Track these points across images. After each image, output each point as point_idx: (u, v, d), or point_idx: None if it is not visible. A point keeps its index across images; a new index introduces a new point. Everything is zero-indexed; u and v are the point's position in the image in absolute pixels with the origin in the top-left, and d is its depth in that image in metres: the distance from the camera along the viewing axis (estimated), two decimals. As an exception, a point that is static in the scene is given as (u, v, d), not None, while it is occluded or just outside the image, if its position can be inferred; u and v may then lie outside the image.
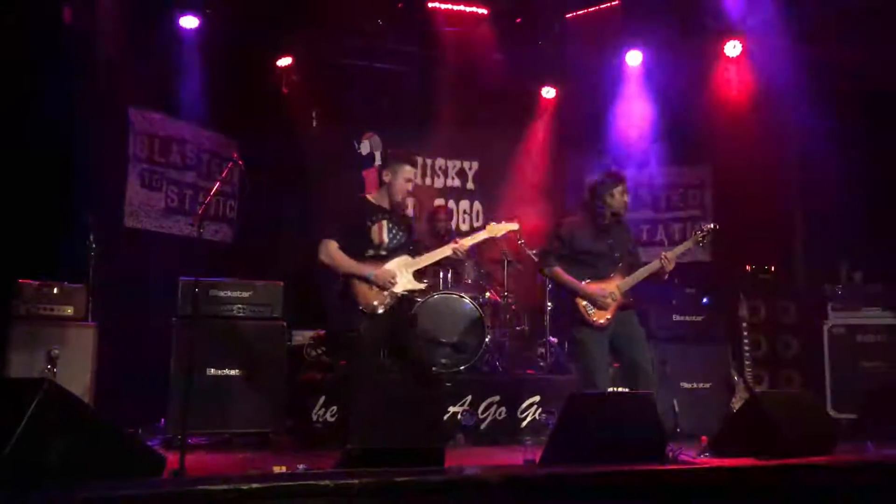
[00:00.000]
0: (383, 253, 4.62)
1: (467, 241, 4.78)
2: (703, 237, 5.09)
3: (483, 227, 5.00)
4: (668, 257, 4.88)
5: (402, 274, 4.58)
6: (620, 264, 4.92)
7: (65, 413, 2.89)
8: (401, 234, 4.72)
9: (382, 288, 4.51)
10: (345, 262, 4.55)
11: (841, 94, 6.84)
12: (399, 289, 4.56)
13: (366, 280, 4.51)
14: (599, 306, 4.80)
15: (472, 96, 8.03)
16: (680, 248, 5.05)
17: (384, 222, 4.67)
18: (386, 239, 4.64)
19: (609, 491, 2.83)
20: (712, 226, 5.15)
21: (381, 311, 4.51)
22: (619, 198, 4.94)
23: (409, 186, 4.72)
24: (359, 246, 4.60)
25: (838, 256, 6.83)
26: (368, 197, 4.84)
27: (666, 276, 4.96)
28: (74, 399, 3.13)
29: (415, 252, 4.71)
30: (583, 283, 4.85)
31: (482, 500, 2.63)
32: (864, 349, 6.40)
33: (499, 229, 4.92)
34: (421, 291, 4.71)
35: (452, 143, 8.53)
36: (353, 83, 8.02)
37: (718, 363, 6.16)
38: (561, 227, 5.06)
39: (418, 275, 4.68)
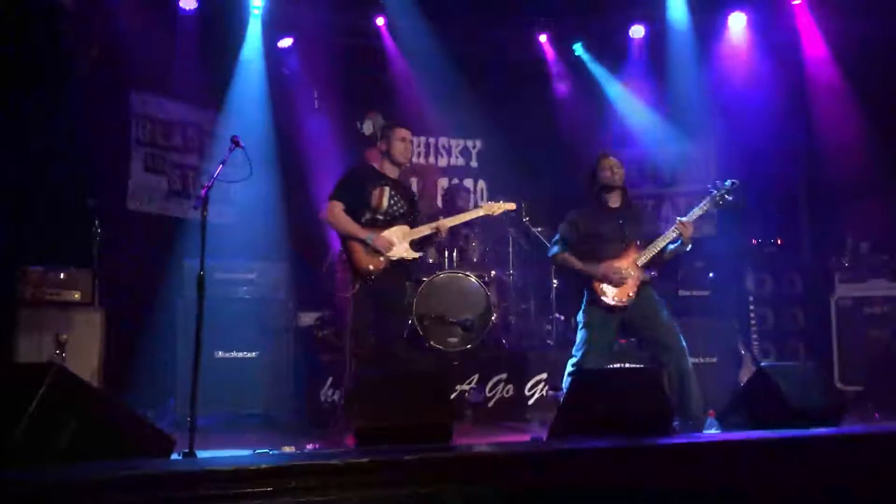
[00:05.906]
0: (380, 217, 4.71)
1: (448, 222, 4.82)
2: (722, 196, 4.76)
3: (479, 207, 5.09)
4: (685, 223, 4.64)
5: (399, 242, 4.66)
6: (632, 245, 4.72)
7: (74, 397, 2.90)
8: (402, 203, 4.79)
9: (378, 253, 4.60)
10: (346, 223, 4.68)
11: (846, 64, 6.78)
12: (395, 255, 4.64)
13: (363, 243, 4.60)
14: (616, 283, 4.61)
15: (474, 73, 7.98)
16: (697, 211, 4.72)
17: (386, 188, 4.75)
18: (385, 205, 4.72)
19: (617, 466, 2.84)
20: (730, 182, 4.77)
21: (373, 275, 4.61)
22: (604, 171, 4.77)
23: (408, 146, 4.80)
24: (358, 208, 4.70)
25: (844, 228, 6.80)
26: (375, 165, 4.91)
27: (689, 247, 4.71)
28: (83, 383, 3.14)
29: (413, 223, 4.78)
30: (594, 264, 4.68)
31: (491, 477, 2.63)
32: (871, 321, 6.39)
33: (495, 208, 4.96)
34: (412, 260, 4.77)
35: (455, 121, 8.48)
36: (354, 62, 7.96)
37: (725, 337, 6.14)
38: (570, 213, 4.94)
39: (414, 245, 4.75)
